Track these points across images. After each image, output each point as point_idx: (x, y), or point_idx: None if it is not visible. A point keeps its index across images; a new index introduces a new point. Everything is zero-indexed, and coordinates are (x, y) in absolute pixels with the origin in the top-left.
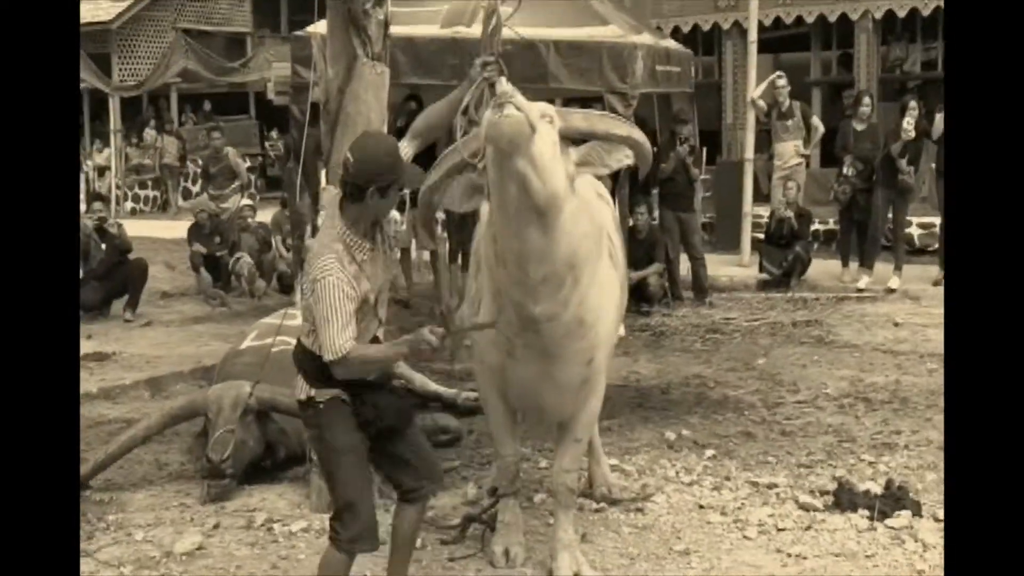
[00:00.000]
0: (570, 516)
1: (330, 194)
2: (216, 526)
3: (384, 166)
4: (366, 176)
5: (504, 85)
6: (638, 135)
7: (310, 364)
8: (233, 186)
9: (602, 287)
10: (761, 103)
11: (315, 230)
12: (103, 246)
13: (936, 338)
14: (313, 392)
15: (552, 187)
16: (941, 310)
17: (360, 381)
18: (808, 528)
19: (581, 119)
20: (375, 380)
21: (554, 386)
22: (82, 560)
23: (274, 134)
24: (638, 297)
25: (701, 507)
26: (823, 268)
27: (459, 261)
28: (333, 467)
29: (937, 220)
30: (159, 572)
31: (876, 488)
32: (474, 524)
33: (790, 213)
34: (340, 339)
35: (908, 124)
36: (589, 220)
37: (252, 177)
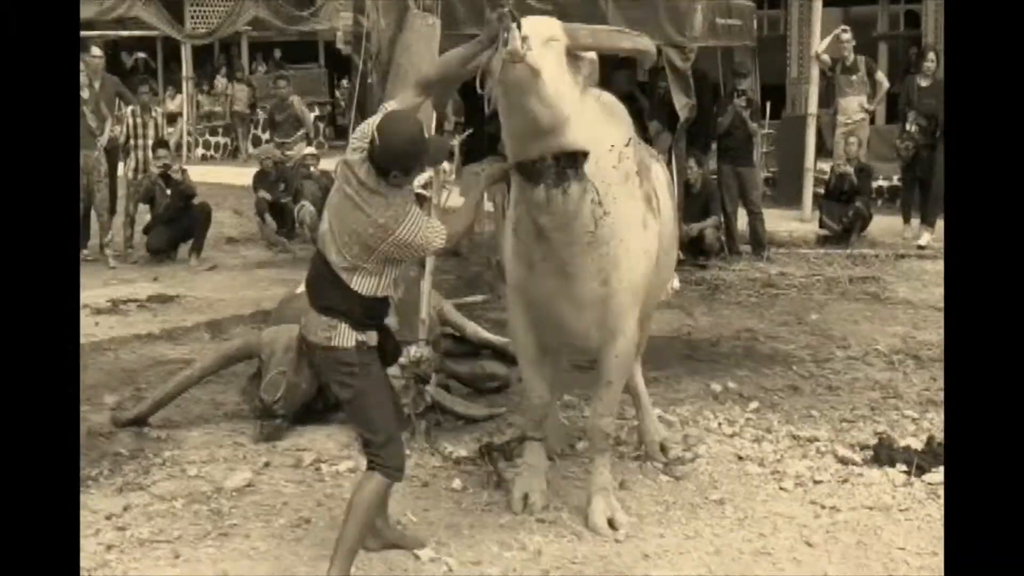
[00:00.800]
0: (606, 461)
1: None
2: (266, 464)
3: (408, 155)
4: (389, 159)
5: (515, 41)
6: (644, 44)
7: (357, 306)
8: (299, 134)
9: (620, 208)
10: (825, 57)
11: None
12: (168, 192)
13: None
14: (363, 336)
15: (558, 112)
16: None
17: (380, 321)
18: (845, 481)
19: (587, 35)
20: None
21: (570, 302)
22: (137, 493)
23: (344, 82)
24: (695, 250)
25: (740, 458)
26: (884, 224)
27: None
28: (375, 404)
29: None
30: (209, 506)
31: (917, 444)
32: (493, 454)
33: (851, 168)
34: (436, 229)
35: None
36: (595, 137)
37: (320, 125)
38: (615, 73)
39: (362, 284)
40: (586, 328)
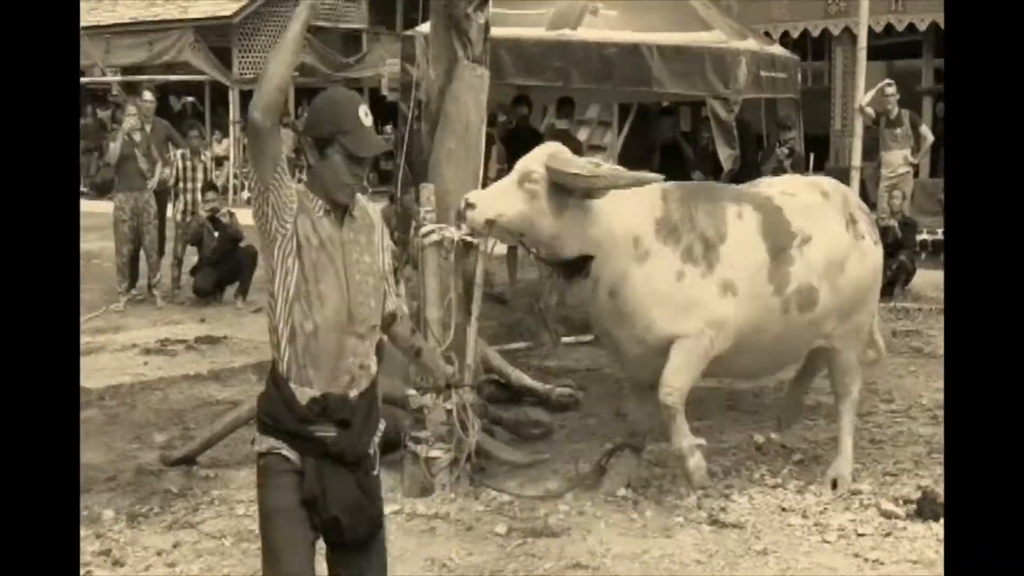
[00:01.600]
0: (678, 423)
1: (428, 191)
2: None
3: (322, 114)
4: (305, 124)
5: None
6: (644, 178)
7: (266, 390)
8: None
9: (639, 281)
10: (869, 111)
11: (419, 226)
12: (215, 234)
13: None
14: (256, 437)
15: (535, 235)
16: None
17: (312, 437)
18: (888, 535)
19: (576, 176)
20: (340, 449)
21: (625, 354)
22: (186, 531)
23: (388, 129)
24: None
25: (783, 509)
26: (928, 279)
27: None
28: (262, 534)
29: None
30: (257, 545)
31: None
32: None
33: (895, 222)
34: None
35: None
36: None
37: None
38: (659, 120)
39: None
40: (642, 371)
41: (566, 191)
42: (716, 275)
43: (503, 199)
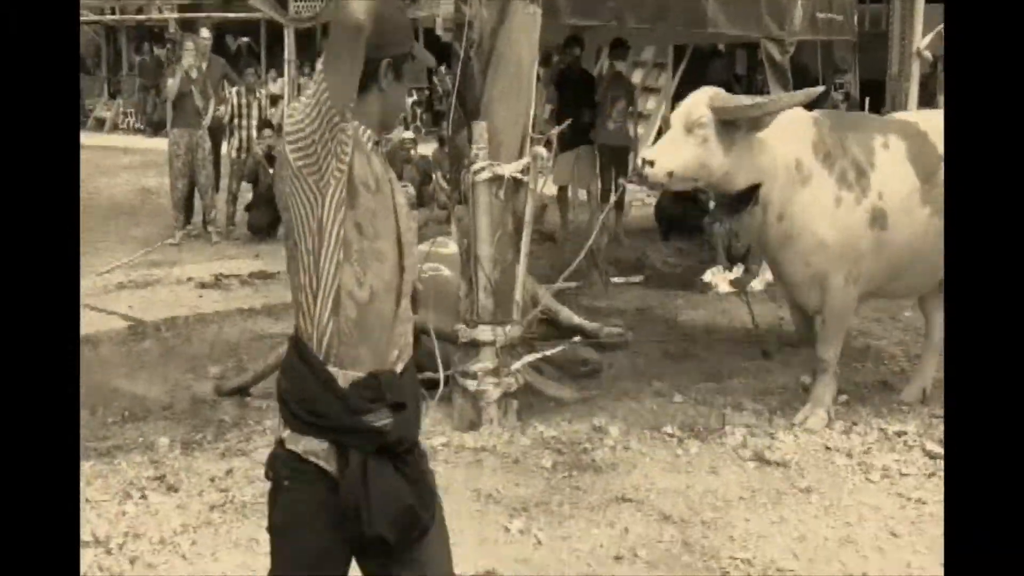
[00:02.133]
0: (827, 379)
1: (481, 129)
2: None
3: (400, 30)
4: (379, 39)
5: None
6: (797, 99)
7: (292, 375)
8: None
9: (802, 205)
10: (927, 54)
11: (471, 164)
12: (271, 172)
13: None
14: (286, 434)
15: (709, 175)
16: None
17: (368, 429)
18: (932, 475)
19: (740, 108)
20: (397, 438)
21: (791, 280)
22: (239, 459)
23: (442, 69)
24: None
25: (828, 448)
26: None
27: (611, 200)
28: (274, 556)
29: None
30: None
31: None
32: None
33: None
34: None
35: None
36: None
37: (418, 111)
38: (711, 63)
39: (303, 314)
40: (807, 298)
41: (733, 127)
42: (868, 202)
43: (677, 150)
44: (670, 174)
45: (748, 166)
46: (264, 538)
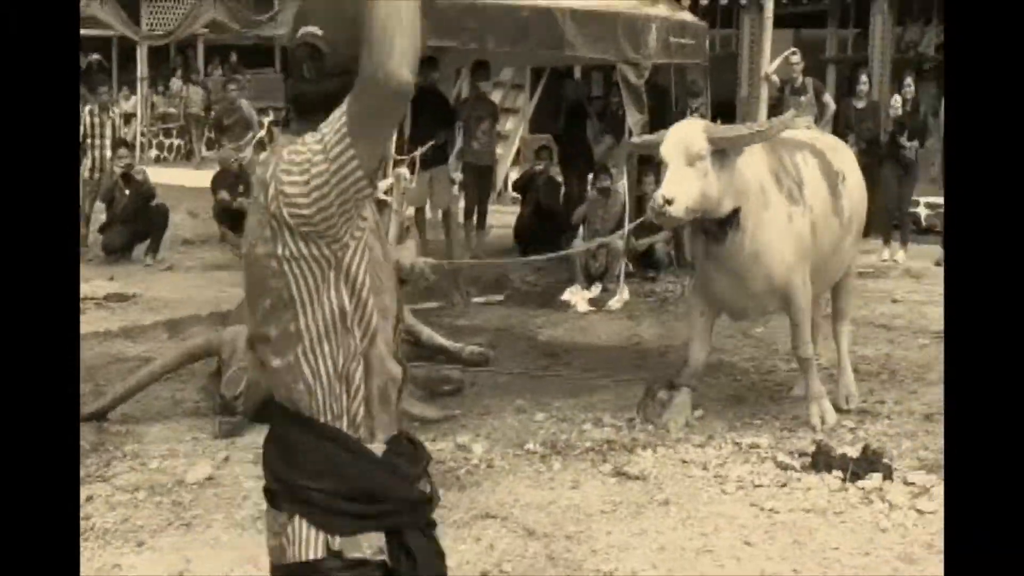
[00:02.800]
0: (812, 375)
1: None
2: (226, 459)
3: (355, 30)
4: (349, 51)
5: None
6: (778, 126)
7: (329, 469)
8: (247, 137)
9: (765, 224)
10: (775, 78)
11: None
12: (127, 192)
13: (932, 315)
14: (339, 544)
15: (708, 205)
16: (941, 289)
17: (426, 499)
18: (784, 485)
19: (730, 139)
20: (435, 504)
21: (746, 294)
22: (99, 484)
23: None
24: (645, 264)
25: (684, 462)
26: None
27: (473, 219)
28: None
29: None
30: (171, 498)
31: (853, 452)
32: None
33: None
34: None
35: (896, 102)
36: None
37: (275, 130)
38: (564, 82)
39: (309, 396)
40: (754, 307)
41: (723, 155)
42: (809, 214)
43: (687, 184)
44: (686, 209)
45: (732, 190)
46: (128, 563)
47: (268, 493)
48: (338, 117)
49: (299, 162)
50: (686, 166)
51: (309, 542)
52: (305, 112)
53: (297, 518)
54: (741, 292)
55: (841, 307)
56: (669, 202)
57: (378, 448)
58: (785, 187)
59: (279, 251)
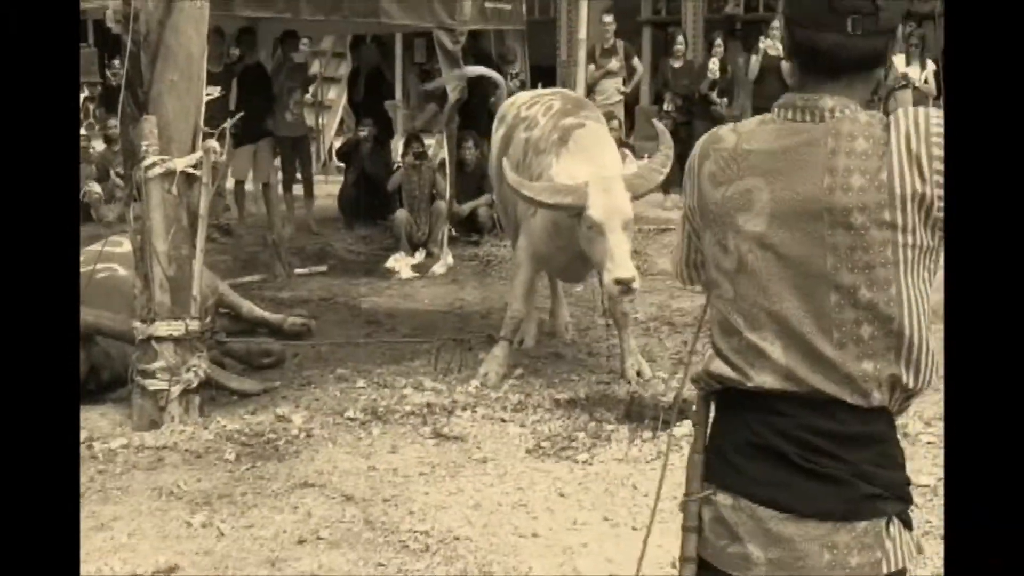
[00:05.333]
0: (628, 332)
1: (151, 123)
2: None
3: None
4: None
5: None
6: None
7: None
8: None
9: None
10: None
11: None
12: None
13: None
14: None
15: None
16: None
17: None
18: (598, 437)
19: (640, 185)
20: None
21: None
22: None
23: (116, 62)
24: (468, 227)
25: (503, 421)
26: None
27: (292, 191)
28: None
29: None
30: None
31: (666, 401)
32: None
33: None
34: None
35: (713, 64)
36: None
37: (91, 106)
38: (359, 50)
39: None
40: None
41: None
42: None
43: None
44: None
45: None
46: None
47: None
48: None
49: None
50: (622, 231)
51: (908, 543)
52: (835, 71)
53: (896, 520)
54: (584, 261)
55: None
56: (632, 282)
57: None
58: None
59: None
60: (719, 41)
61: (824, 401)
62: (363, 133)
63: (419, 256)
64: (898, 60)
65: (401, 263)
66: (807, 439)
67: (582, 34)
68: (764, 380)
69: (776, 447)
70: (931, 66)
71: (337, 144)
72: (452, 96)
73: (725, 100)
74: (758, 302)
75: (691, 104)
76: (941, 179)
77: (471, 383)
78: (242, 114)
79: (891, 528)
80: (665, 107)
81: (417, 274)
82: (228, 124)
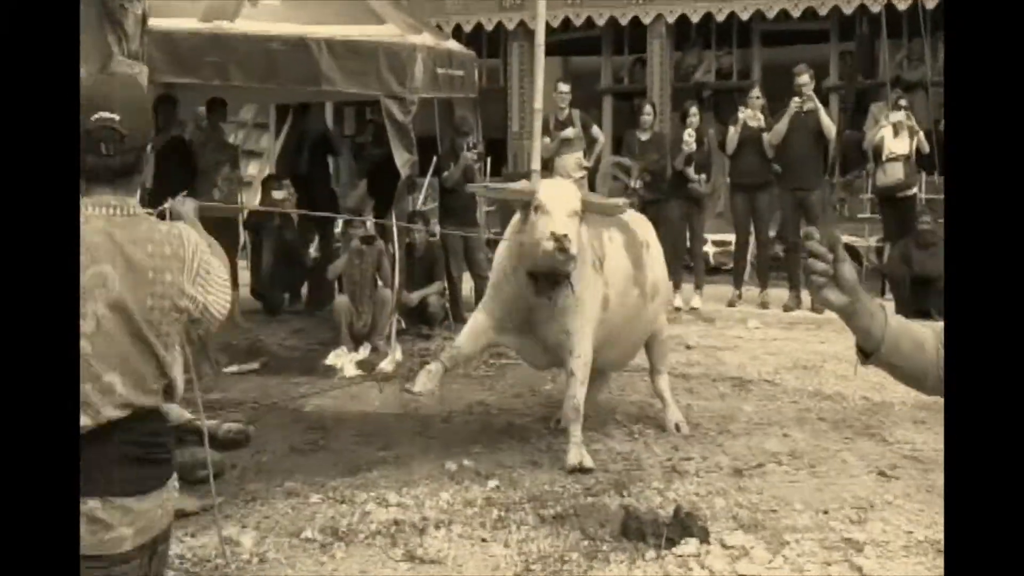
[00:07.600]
0: (577, 428)
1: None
2: None
3: (147, 115)
4: (144, 131)
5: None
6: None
7: None
8: None
9: (584, 287)
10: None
11: None
12: None
13: (729, 361)
14: None
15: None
16: (735, 332)
17: None
18: (594, 557)
19: (594, 205)
20: None
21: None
22: None
23: None
24: (417, 319)
25: (484, 540)
26: None
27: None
28: None
29: (733, 237)
30: None
31: (665, 516)
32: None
33: None
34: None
35: (689, 136)
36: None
37: None
38: (305, 113)
39: None
40: (547, 358)
41: (579, 219)
42: (604, 288)
43: (573, 229)
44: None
45: (582, 248)
46: None
47: None
48: None
49: None
50: (569, 216)
51: None
52: (105, 180)
53: None
54: (539, 345)
55: (655, 363)
56: (567, 238)
57: None
58: (590, 260)
59: None
60: (694, 110)
61: None
62: (279, 195)
63: (363, 351)
64: (886, 132)
65: (343, 359)
66: None
67: (538, 103)
68: None
69: None
70: (921, 135)
71: None
72: (404, 173)
73: (703, 176)
74: None
75: (662, 181)
76: None
77: (440, 495)
78: (185, 193)
79: None
80: (632, 184)
81: (362, 372)
82: (167, 206)
